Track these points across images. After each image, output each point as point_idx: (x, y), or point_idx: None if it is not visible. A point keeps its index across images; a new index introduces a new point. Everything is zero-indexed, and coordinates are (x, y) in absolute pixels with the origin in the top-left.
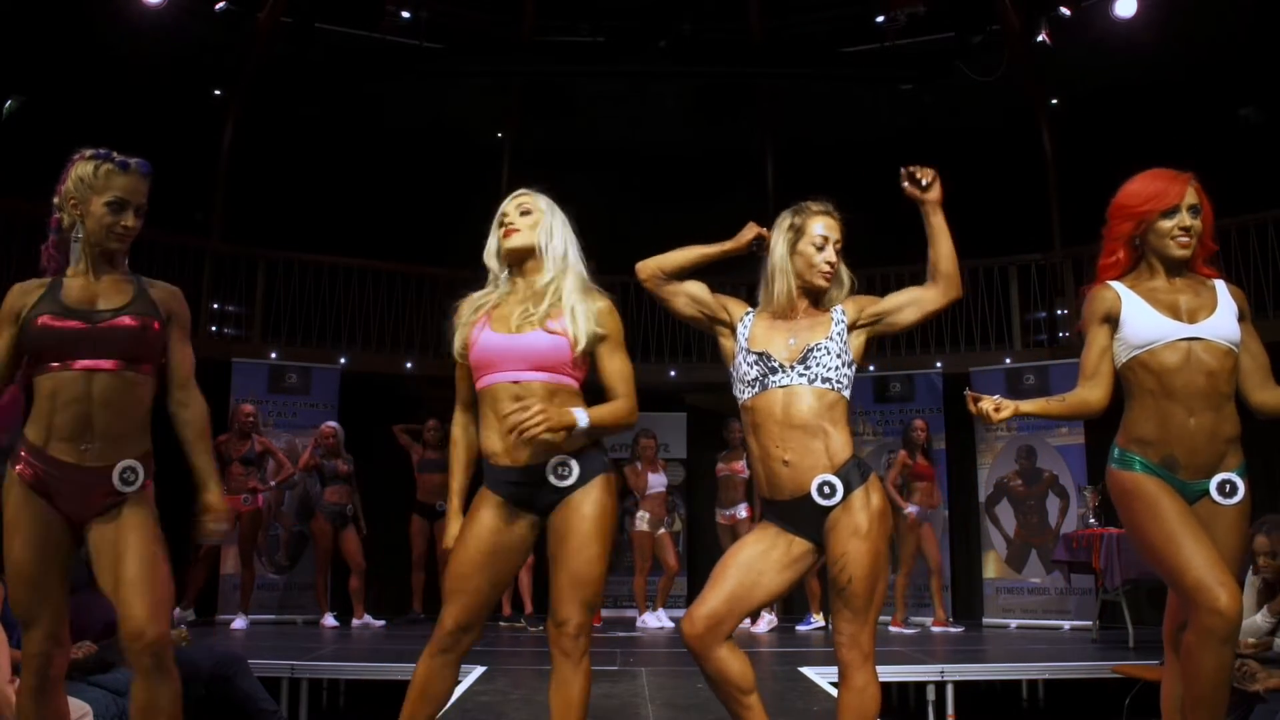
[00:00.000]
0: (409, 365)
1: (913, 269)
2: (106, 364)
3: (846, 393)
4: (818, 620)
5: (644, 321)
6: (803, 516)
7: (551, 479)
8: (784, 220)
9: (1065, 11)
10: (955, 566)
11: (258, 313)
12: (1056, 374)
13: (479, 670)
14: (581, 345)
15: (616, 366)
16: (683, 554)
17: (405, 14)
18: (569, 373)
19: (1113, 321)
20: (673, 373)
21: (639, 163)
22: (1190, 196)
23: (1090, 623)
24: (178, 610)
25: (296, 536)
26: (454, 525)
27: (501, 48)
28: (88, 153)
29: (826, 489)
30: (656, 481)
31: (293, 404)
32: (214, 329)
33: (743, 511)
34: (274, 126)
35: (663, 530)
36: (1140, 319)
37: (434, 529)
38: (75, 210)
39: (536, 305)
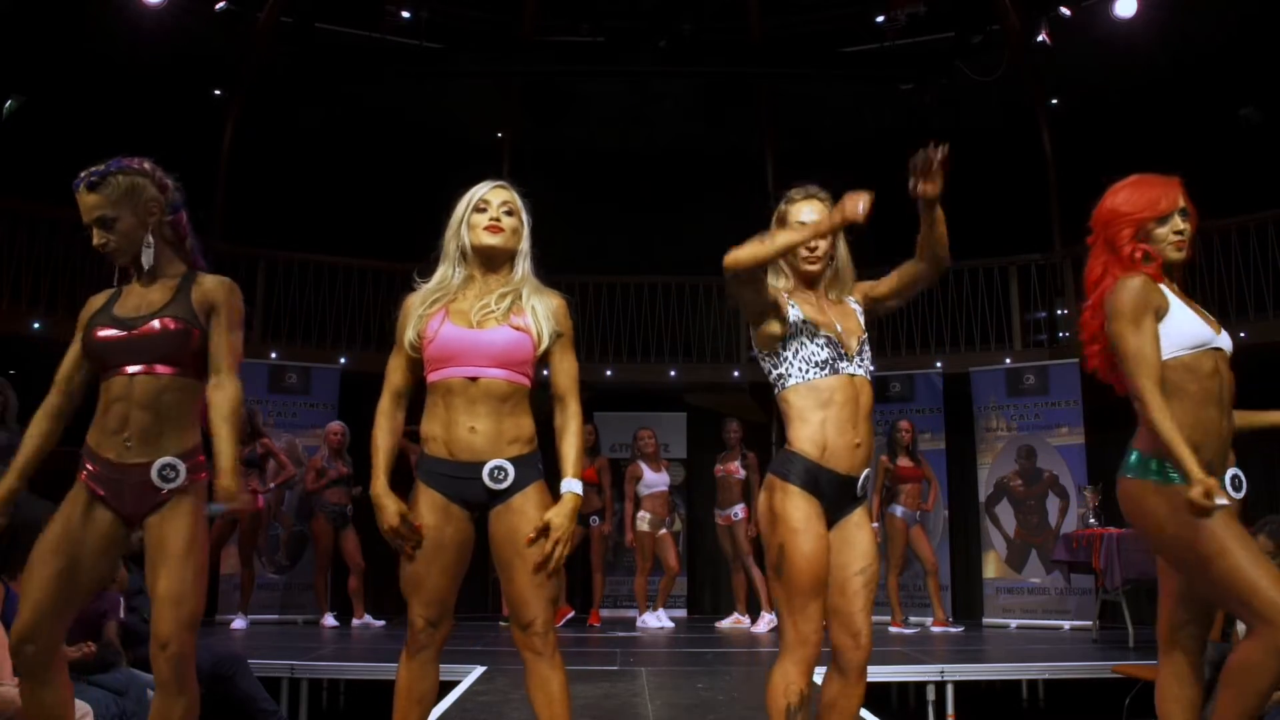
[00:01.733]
0: None
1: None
2: (144, 368)
3: None
4: None
5: (644, 322)
6: (842, 495)
7: (487, 482)
8: (776, 213)
9: (1065, 11)
10: (955, 566)
11: (258, 313)
12: (1056, 374)
13: (479, 670)
14: (545, 344)
15: (568, 367)
16: (682, 554)
17: (405, 14)
18: (527, 372)
19: (1160, 315)
20: (673, 373)
21: (639, 163)
22: (1181, 201)
23: (1090, 623)
24: None
25: (296, 536)
26: (389, 502)
27: (501, 48)
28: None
29: (867, 481)
30: (659, 480)
31: (293, 404)
32: None
33: (739, 512)
34: (274, 126)
35: (664, 530)
36: (1186, 319)
37: None
38: None
39: (498, 302)
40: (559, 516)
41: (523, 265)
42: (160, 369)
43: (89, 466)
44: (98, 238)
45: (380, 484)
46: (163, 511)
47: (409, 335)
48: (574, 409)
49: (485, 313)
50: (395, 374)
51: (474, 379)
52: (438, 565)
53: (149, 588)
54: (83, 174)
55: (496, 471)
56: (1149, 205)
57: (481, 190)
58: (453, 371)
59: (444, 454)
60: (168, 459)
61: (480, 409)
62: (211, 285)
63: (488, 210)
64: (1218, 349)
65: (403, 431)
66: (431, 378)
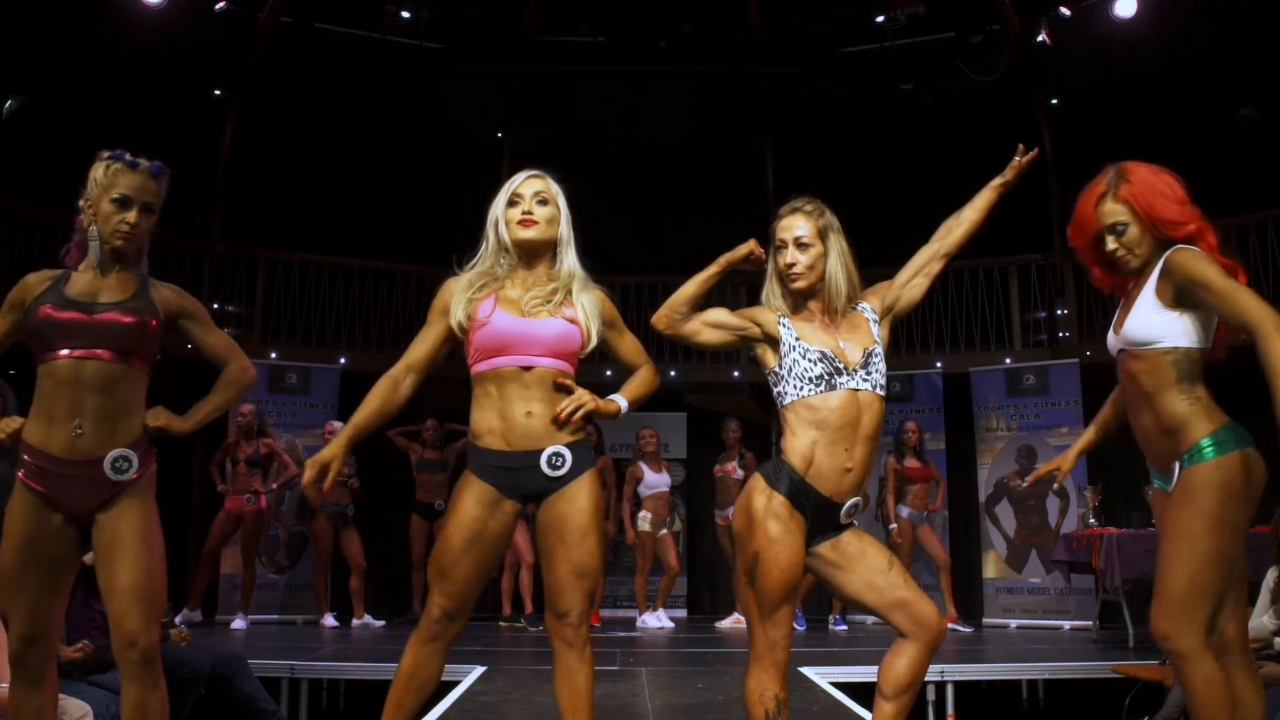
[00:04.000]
0: None
1: None
2: (99, 353)
3: None
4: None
5: (644, 322)
6: (825, 517)
7: (545, 469)
8: (771, 229)
9: (1065, 11)
10: (955, 566)
11: (258, 313)
12: (1056, 374)
13: (479, 670)
14: (594, 341)
15: (630, 344)
16: (683, 554)
17: (405, 14)
18: (574, 363)
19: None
20: (673, 373)
21: (639, 163)
22: (1107, 218)
23: (1090, 623)
24: (186, 611)
25: (296, 536)
26: (333, 447)
27: (501, 48)
28: (105, 154)
29: (854, 509)
30: (659, 481)
31: (293, 404)
32: None
33: None
34: (274, 126)
35: (664, 531)
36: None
37: (433, 529)
38: (90, 210)
39: (548, 296)
40: (597, 398)
41: (568, 257)
42: (106, 354)
43: (25, 459)
44: (131, 217)
45: (339, 440)
46: (114, 507)
47: (458, 314)
48: (646, 371)
49: (536, 303)
50: (419, 347)
51: (528, 368)
52: (470, 556)
53: (106, 585)
54: (140, 158)
55: (554, 458)
56: (1072, 238)
57: (515, 182)
58: (506, 360)
59: (501, 445)
60: (122, 451)
61: (534, 394)
62: (171, 293)
63: (520, 204)
64: (1121, 351)
65: (399, 416)
66: (480, 367)
